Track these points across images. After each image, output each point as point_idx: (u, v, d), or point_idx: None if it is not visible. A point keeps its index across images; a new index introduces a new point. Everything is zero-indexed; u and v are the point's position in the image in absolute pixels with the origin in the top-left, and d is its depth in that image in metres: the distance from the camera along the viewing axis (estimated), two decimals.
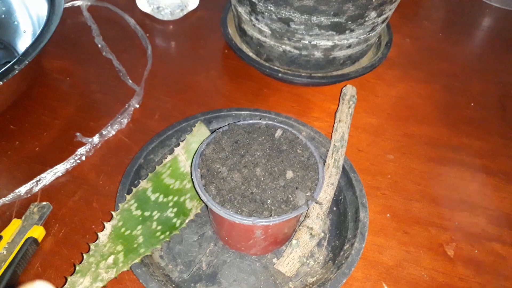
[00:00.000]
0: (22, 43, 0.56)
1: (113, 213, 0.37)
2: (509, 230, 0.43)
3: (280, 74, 0.52)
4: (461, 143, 0.51)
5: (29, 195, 0.42)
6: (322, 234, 0.39)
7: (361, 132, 0.51)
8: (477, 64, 0.61)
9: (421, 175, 0.47)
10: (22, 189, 0.42)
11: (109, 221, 0.36)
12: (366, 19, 0.46)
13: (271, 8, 0.46)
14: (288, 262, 0.37)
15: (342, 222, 0.41)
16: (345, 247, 0.38)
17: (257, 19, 0.49)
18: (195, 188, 0.35)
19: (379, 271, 0.40)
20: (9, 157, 0.46)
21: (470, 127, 0.52)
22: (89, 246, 0.35)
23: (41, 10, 0.52)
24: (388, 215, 0.44)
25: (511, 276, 0.40)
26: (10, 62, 0.54)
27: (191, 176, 0.35)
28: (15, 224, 0.39)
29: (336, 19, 0.45)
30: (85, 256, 0.34)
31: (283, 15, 0.46)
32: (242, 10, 0.50)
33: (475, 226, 0.44)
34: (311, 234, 0.38)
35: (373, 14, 0.46)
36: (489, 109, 0.55)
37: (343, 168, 0.43)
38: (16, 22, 0.56)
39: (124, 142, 0.47)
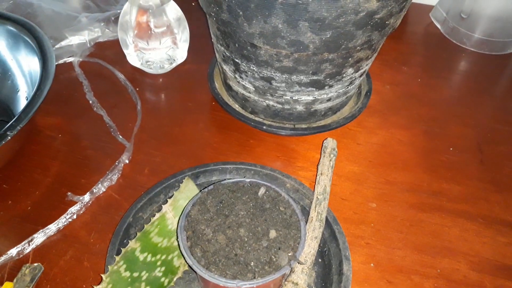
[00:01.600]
0: (17, 102, 0.58)
1: (102, 276, 0.38)
2: (490, 275, 0.45)
3: (264, 127, 0.54)
4: (441, 188, 0.53)
5: (21, 256, 0.43)
6: None
7: (344, 181, 0.52)
8: (455, 107, 0.64)
9: (403, 222, 0.49)
10: (14, 251, 0.43)
11: (98, 284, 0.37)
12: (344, 75, 0.49)
13: (254, 68, 0.48)
14: None
15: (327, 275, 0.43)
16: None
17: (241, 77, 0.51)
18: (180, 251, 0.36)
19: None
20: (2, 216, 0.47)
21: (449, 172, 0.54)
22: None
23: (35, 69, 0.54)
24: (372, 264, 0.45)
25: None
26: (4, 120, 0.56)
27: (177, 238, 0.37)
28: (7, 287, 0.40)
29: (315, 77, 0.48)
30: None
31: (265, 74, 0.48)
32: (227, 68, 0.53)
33: (457, 273, 0.45)
34: None
35: (350, 70, 0.49)
36: (468, 153, 0.57)
37: (327, 220, 0.45)
38: (10, 81, 0.59)
39: (114, 199, 0.49)
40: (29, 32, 0.55)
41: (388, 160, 0.55)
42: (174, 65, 0.66)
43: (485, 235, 0.48)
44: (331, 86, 0.50)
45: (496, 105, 0.64)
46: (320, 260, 0.44)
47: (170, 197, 0.44)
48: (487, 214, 0.50)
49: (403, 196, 0.51)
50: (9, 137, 0.42)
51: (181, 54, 0.66)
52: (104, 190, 0.49)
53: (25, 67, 0.57)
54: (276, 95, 0.50)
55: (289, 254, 0.35)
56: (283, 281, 0.41)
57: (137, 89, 0.62)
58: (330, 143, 0.50)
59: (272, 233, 0.36)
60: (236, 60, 0.49)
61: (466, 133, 0.60)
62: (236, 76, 0.52)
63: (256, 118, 0.56)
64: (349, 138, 0.57)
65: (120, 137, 0.55)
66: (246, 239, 0.36)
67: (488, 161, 0.56)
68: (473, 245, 0.47)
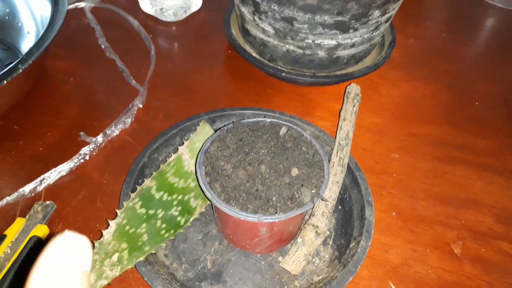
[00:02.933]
0: (26, 44, 0.56)
1: (117, 211, 0.36)
2: None
3: (283, 74, 0.52)
4: (466, 142, 0.50)
5: (33, 194, 0.42)
6: (328, 233, 0.39)
7: (365, 132, 0.50)
8: (481, 64, 0.61)
9: (426, 174, 0.47)
10: (26, 188, 0.42)
11: (113, 219, 0.36)
12: (370, 18, 0.46)
13: (275, 8, 0.46)
14: (294, 260, 0.36)
15: (348, 221, 0.41)
16: (351, 246, 0.38)
17: (260, 19, 0.49)
18: (199, 186, 0.34)
19: (385, 269, 0.39)
20: (13, 157, 0.46)
21: (475, 126, 0.52)
22: (93, 244, 0.34)
23: (45, 11, 0.52)
24: (394, 213, 0.43)
25: None
26: (14, 62, 0.54)
27: (196, 173, 0.35)
28: (19, 223, 0.39)
29: (339, 18, 0.45)
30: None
31: (286, 14, 0.46)
32: (246, 10, 0.50)
33: (482, 224, 0.43)
34: (316, 232, 0.38)
35: (376, 13, 0.46)
36: (494, 109, 0.55)
37: (348, 166, 0.43)
38: (19, 24, 0.57)
39: (127, 142, 0.47)
40: None
41: (411, 112, 0.53)
42: (188, 13, 0.63)
43: (511, 188, 0.46)
44: (356, 30, 0.47)
45: None
46: (340, 207, 0.43)
47: (186, 140, 0.43)
48: None
49: (427, 148, 0.49)
50: (20, 70, 0.41)
51: (195, 2, 0.64)
52: (118, 132, 0.47)
53: (35, 10, 0.55)
54: (298, 38, 0.48)
55: (312, 191, 0.34)
56: (303, 224, 0.39)
57: (151, 36, 0.59)
58: (354, 88, 0.48)
59: (294, 171, 0.35)
60: (256, 0, 0.47)
61: (493, 89, 0.57)
62: (255, 18, 0.49)
63: (275, 65, 0.53)
64: (371, 89, 0.55)
65: (134, 81, 0.53)
66: (267, 176, 0.34)
67: None
68: (498, 198, 0.46)
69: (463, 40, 0.64)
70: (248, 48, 0.56)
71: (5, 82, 0.40)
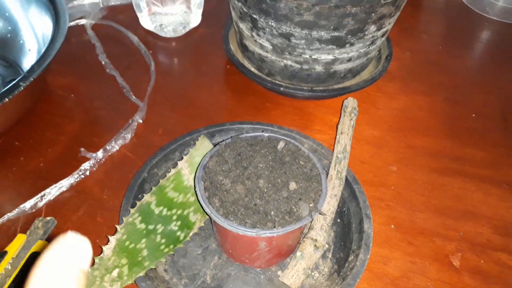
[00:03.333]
0: (27, 61, 0.57)
1: (117, 226, 0.37)
2: None
3: (282, 88, 0.53)
4: (464, 154, 0.51)
5: (34, 210, 0.43)
6: (327, 246, 0.39)
7: (363, 144, 0.51)
8: (478, 76, 0.62)
9: (425, 186, 0.47)
10: (27, 204, 0.42)
11: (113, 234, 0.37)
12: (366, 33, 0.47)
13: (272, 24, 0.46)
14: (293, 274, 0.37)
15: (347, 234, 0.41)
16: (350, 259, 0.38)
17: (258, 35, 0.49)
18: (198, 201, 0.35)
19: (385, 282, 0.39)
20: (14, 173, 0.46)
21: (472, 138, 0.53)
22: (94, 260, 0.35)
23: (46, 29, 0.53)
24: (393, 226, 0.44)
25: None
26: (15, 80, 0.55)
27: (195, 188, 0.35)
28: (20, 239, 0.39)
29: (336, 33, 0.46)
30: (89, 269, 0.34)
31: (284, 30, 0.46)
32: (244, 26, 0.51)
33: (481, 236, 0.43)
34: (315, 246, 0.38)
35: (372, 28, 0.47)
36: (491, 120, 0.55)
37: (346, 179, 0.43)
38: (21, 41, 0.58)
39: (127, 157, 0.48)
40: None
41: (409, 125, 0.54)
42: (187, 29, 0.64)
43: (509, 199, 0.47)
44: (352, 44, 0.48)
45: None
46: (339, 220, 0.43)
47: (185, 155, 0.43)
48: None
49: (425, 160, 0.50)
50: (22, 88, 0.41)
51: (195, 18, 0.65)
52: (118, 148, 0.48)
53: (37, 27, 0.56)
54: (295, 53, 0.49)
55: (310, 205, 0.34)
56: (302, 237, 0.40)
57: (150, 51, 0.60)
58: (351, 102, 0.48)
59: (292, 185, 0.35)
60: (254, 16, 0.48)
61: (489, 101, 0.58)
62: (253, 34, 0.50)
63: (273, 80, 0.54)
64: (368, 103, 0.55)
65: (134, 97, 0.53)
66: (265, 190, 0.34)
67: None
68: (497, 209, 0.46)
69: (459, 52, 0.65)
70: (246, 63, 0.56)
71: (7, 99, 0.40)
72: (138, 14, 0.63)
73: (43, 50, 0.46)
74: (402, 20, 0.67)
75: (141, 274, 0.35)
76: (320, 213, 0.34)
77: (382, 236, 0.43)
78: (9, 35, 0.58)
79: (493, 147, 0.52)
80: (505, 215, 0.45)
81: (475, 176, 0.49)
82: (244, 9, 0.48)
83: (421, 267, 0.41)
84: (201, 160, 0.38)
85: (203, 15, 0.65)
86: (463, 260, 0.41)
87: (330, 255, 0.40)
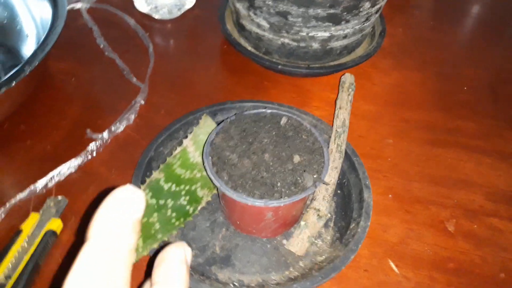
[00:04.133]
0: (26, 47, 0.57)
1: None
2: (505, 205, 0.46)
3: (279, 67, 0.54)
4: (456, 125, 0.53)
5: (45, 190, 0.44)
6: (329, 215, 0.41)
7: (360, 119, 0.52)
8: (468, 50, 0.63)
9: (419, 157, 0.49)
10: (38, 185, 0.43)
11: None
12: (361, 9, 0.48)
13: (269, 3, 0.47)
14: (298, 242, 0.39)
15: (347, 204, 0.43)
16: (351, 226, 0.40)
17: (255, 14, 0.50)
18: (207, 175, 0.36)
19: (384, 248, 0.42)
20: (22, 156, 0.47)
21: (464, 110, 0.55)
22: None
23: (45, 14, 0.53)
24: (390, 195, 0.46)
25: (509, 248, 0.42)
26: (15, 65, 0.56)
27: (203, 164, 0.37)
28: (34, 218, 0.40)
29: (332, 11, 0.47)
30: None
31: (281, 8, 0.47)
32: (240, 6, 0.52)
33: (473, 203, 0.46)
34: (318, 215, 0.40)
35: (367, 4, 0.48)
36: (481, 93, 0.57)
37: (346, 152, 0.45)
38: (19, 27, 0.58)
39: (132, 137, 0.49)
40: None
41: (403, 99, 0.55)
42: (182, 10, 0.65)
43: (500, 168, 0.49)
44: (347, 21, 0.49)
45: (509, 48, 0.64)
46: (339, 191, 0.45)
47: (189, 133, 0.44)
48: (502, 149, 0.51)
49: (419, 133, 0.52)
50: (27, 71, 0.42)
51: None
52: (122, 129, 0.49)
53: (35, 12, 0.56)
54: (292, 31, 0.50)
55: (314, 176, 0.36)
56: (305, 208, 0.41)
57: (148, 34, 0.61)
58: (348, 78, 0.50)
59: (296, 158, 0.37)
60: None
61: (479, 74, 0.60)
62: (250, 13, 0.51)
63: (270, 58, 0.55)
64: (364, 79, 0.57)
65: (134, 79, 0.54)
66: (271, 163, 0.36)
67: (502, 100, 0.56)
68: (488, 177, 0.48)
69: (450, 28, 0.67)
70: (243, 42, 0.57)
71: (14, 83, 0.41)
72: None
73: (44, 35, 0.47)
74: None
75: (155, 246, 0.36)
76: (323, 183, 0.36)
77: (380, 205, 0.45)
78: (5, 21, 0.58)
79: (483, 118, 0.54)
80: (496, 182, 0.48)
81: (467, 146, 0.51)
82: None
83: (418, 233, 0.43)
84: (208, 136, 0.39)
85: None
86: (457, 226, 0.44)
87: (332, 224, 0.42)
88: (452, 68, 0.60)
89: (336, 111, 0.48)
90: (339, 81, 0.52)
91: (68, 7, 0.63)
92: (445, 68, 0.60)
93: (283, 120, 0.40)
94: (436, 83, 0.58)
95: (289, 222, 0.40)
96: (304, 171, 0.36)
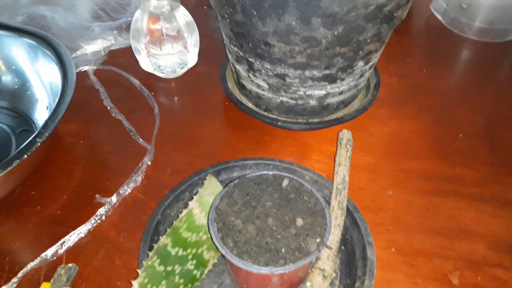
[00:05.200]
0: (36, 111, 0.59)
1: (138, 271, 0.39)
2: (508, 254, 0.46)
3: (279, 123, 0.56)
4: (454, 173, 0.54)
5: (55, 257, 0.45)
6: (334, 275, 0.42)
7: (359, 171, 0.54)
8: (461, 95, 0.65)
9: (420, 207, 0.50)
10: (48, 252, 0.45)
11: (134, 278, 0.39)
12: (355, 68, 0.51)
13: (267, 66, 0.50)
14: None
15: (351, 260, 0.44)
16: (356, 285, 0.41)
17: (255, 76, 0.53)
18: (213, 242, 0.37)
19: None
20: (32, 222, 0.49)
21: (461, 157, 0.56)
22: None
23: (54, 79, 0.55)
24: (393, 249, 0.46)
25: None
26: (26, 130, 0.58)
27: (209, 230, 0.38)
28: None
29: (327, 72, 0.49)
30: None
31: (278, 71, 0.50)
32: (240, 68, 0.54)
33: (476, 253, 0.46)
34: (323, 275, 0.41)
35: (360, 63, 0.51)
36: (477, 139, 0.59)
37: (347, 208, 0.46)
38: (29, 92, 0.60)
39: (140, 199, 0.50)
40: (47, 44, 0.57)
41: (401, 149, 0.57)
42: (185, 69, 0.68)
43: (500, 216, 0.50)
44: (342, 80, 0.51)
45: (501, 91, 0.66)
46: (343, 247, 0.46)
47: (195, 194, 0.46)
48: (501, 196, 0.52)
49: (418, 183, 0.53)
50: (39, 143, 0.44)
51: (192, 58, 0.68)
52: (130, 191, 0.51)
53: (44, 78, 0.59)
54: (290, 91, 0.52)
55: (317, 240, 0.37)
56: (310, 268, 0.42)
57: (152, 93, 0.63)
58: (346, 134, 0.52)
59: (299, 221, 0.38)
60: (250, 59, 0.51)
61: (474, 120, 0.61)
62: (250, 75, 0.53)
63: (270, 115, 0.57)
64: (361, 130, 0.59)
65: (141, 140, 0.56)
66: (275, 228, 0.37)
67: (498, 146, 0.58)
68: (489, 226, 0.49)
69: (443, 74, 0.69)
70: (244, 100, 0.60)
71: (25, 156, 0.43)
72: (137, 57, 0.67)
73: (55, 103, 0.49)
74: (387, 47, 0.71)
75: None
76: (326, 247, 0.37)
77: (384, 260, 0.45)
78: (16, 87, 0.61)
79: (480, 165, 0.55)
80: (497, 231, 0.48)
81: (466, 195, 0.52)
82: (240, 53, 0.52)
83: (423, 287, 0.43)
84: (213, 201, 0.40)
85: (199, 54, 0.68)
86: (462, 278, 0.44)
87: (337, 282, 0.43)
88: (447, 114, 0.62)
89: (336, 168, 0.49)
90: (337, 135, 0.54)
91: (76, 70, 0.66)
92: (441, 115, 0.62)
93: (285, 182, 0.41)
94: (433, 130, 0.60)
95: (295, 284, 0.41)
96: (307, 235, 0.37)
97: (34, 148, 0.44)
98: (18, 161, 0.42)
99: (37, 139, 0.44)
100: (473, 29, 0.75)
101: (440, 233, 0.48)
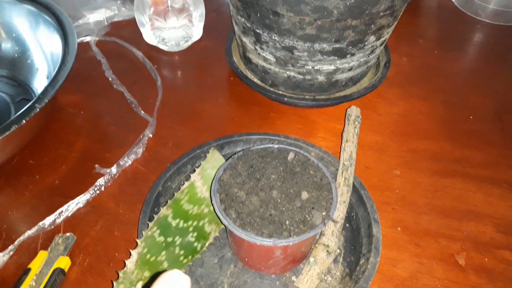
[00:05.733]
0: (36, 80, 0.58)
1: (137, 240, 0.38)
2: None
3: (285, 99, 0.54)
4: (463, 155, 0.53)
5: (53, 226, 0.44)
6: (338, 251, 0.41)
7: (367, 150, 0.53)
8: (473, 78, 0.64)
9: (427, 188, 0.49)
10: (46, 221, 0.44)
11: (133, 248, 0.38)
12: (366, 43, 0.49)
13: (275, 38, 0.48)
14: (307, 279, 0.38)
15: (356, 238, 0.43)
16: (361, 262, 0.40)
17: (261, 48, 0.51)
18: (215, 213, 0.36)
19: (395, 283, 0.41)
20: (31, 191, 0.48)
21: (471, 140, 0.55)
22: (118, 274, 0.36)
23: (55, 48, 0.54)
24: (399, 228, 0.45)
25: None
26: (26, 99, 0.57)
27: (211, 201, 0.37)
28: (42, 256, 0.40)
29: (337, 45, 0.48)
30: (115, 283, 0.35)
31: (287, 43, 0.48)
32: (247, 40, 0.53)
33: (484, 235, 0.45)
34: (327, 251, 0.39)
35: (372, 38, 0.49)
36: (488, 122, 0.57)
37: (353, 185, 0.45)
38: (29, 61, 0.59)
39: (140, 171, 0.49)
40: (48, 11, 0.55)
41: (409, 129, 0.55)
42: (190, 42, 0.66)
43: (510, 198, 0.48)
44: (353, 55, 0.50)
45: None
46: (348, 225, 0.45)
47: (197, 167, 0.45)
48: (511, 179, 0.50)
49: (426, 163, 0.51)
50: (38, 109, 0.43)
51: (197, 31, 0.66)
52: (130, 163, 0.49)
53: (45, 47, 0.58)
54: (298, 65, 0.51)
55: (323, 213, 0.36)
56: (314, 244, 0.41)
57: (155, 66, 0.62)
58: (354, 110, 0.50)
59: (304, 195, 0.37)
60: (257, 31, 0.49)
61: (485, 103, 0.60)
62: (257, 47, 0.52)
63: (277, 91, 0.56)
64: (369, 109, 0.57)
65: (142, 112, 0.55)
66: (279, 200, 0.36)
67: (509, 129, 0.56)
68: (498, 209, 0.48)
69: (454, 56, 0.67)
70: (250, 74, 0.58)
71: (24, 122, 0.42)
72: (141, 29, 0.65)
73: (54, 71, 0.48)
74: (399, 27, 0.69)
75: None
76: (332, 221, 0.35)
77: (389, 239, 0.44)
78: (17, 55, 0.59)
79: (491, 147, 0.54)
80: (506, 214, 0.47)
81: (475, 176, 0.50)
82: (248, 24, 0.50)
83: (429, 267, 0.42)
84: (215, 173, 0.39)
85: (204, 28, 0.66)
86: (468, 259, 0.43)
87: (341, 259, 0.42)
88: (458, 97, 0.60)
89: (343, 144, 0.48)
90: (345, 112, 0.53)
91: (78, 40, 0.64)
92: (451, 97, 0.60)
93: (290, 156, 0.40)
94: (443, 112, 0.58)
95: (298, 259, 0.40)
96: (313, 208, 0.36)
97: (32, 114, 0.42)
98: (16, 126, 0.41)
99: (36, 105, 0.43)
100: (487, 11, 0.73)
101: (448, 214, 0.47)
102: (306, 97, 0.55)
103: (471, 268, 0.43)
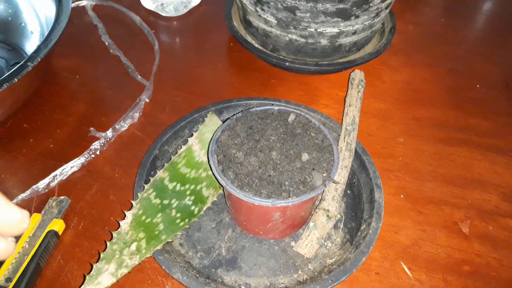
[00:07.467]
0: (30, 44, 0.56)
1: (132, 202, 0.37)
2: None
3: (287, 64, 0.53)
4: (468, 123, 0.51)
5: (47, 190, 0.43)
6: (339, 216, 0.39)
7: (370, 117, 0.51)
8: (480, 47, 0.62)
9: (432, 156, 0.48)
10: (40, 185, 0.43)
11: (129, 210, 0.37)
12: (371, 4, 0.47)
13: None
14: (307, 244, 0.37)
15: (357, 204, 0.42)
16: (362, 228, 0.39)
17: (262, 9, 0.49)
18: (213, 174, 0.35)
19: (396, 250, 0.40)
20: (25, 154, 0.46)
21: (477, 108, 0.53)
22: (112, 234, 0.35)
23: (49, 11, 0.52)
24: (402, 196, 0.44)
25: None
26: (19, 63, 0.55)
27: (209, 162, 0.36)
28: (35, 218, 0.39)
29: (341, 6, 0.46)
30: (108, 243, 0.35)
31: (288, 3, 0.46)
32: (247, 1, 0.51)
33: (488, 203, 0.44)
34: (327, 216, 0.38)
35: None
36: (495, 90, 0.55)
37: (356, 151, 0.44)
38: (23, 24, 0.57)
39: (137, 136, 0.48)
40: None
41: (414, 97, 0.54)
42: (189, 7, 0.64)
43: None
44: (357, 17, 0.48)
45: None
46: (349, 191, 0.44)
47: (195, 131, 0.43)
48: None
49: (431, 131, 0.50)
50: (30, 68, 0.41)
51: None
52: (127, 127, 0.48)
53: (39, 9, 0.56)
54: (300, 27, 0.49)
55: (324, 175, 0.34)
56: (314, 209, 0.40)
57: (153, 31, 0.60)
58: (358, 74, 0.49)
59: (305, 156, 0.35)
60: None
61: (492, 71, 0.58)
62: (258, 9, 0.50)
63: (278, 55, 0.54)
64: (373, 76, 0.55)
65: (139, 76, 0.53)
66: (278, 161, 0.35)
67: None
68: (503, 177, 0.46)
69: (461, 24, 0.65)
70: (250, 39, 0.56)
71: (16, 80, 0.40)
72: None
73: (47, 31, 0.46)
74: None
75: (159, 247, 0.35)
76: (333, 182, 0.34)
77: (392, 206, 0.43)
78: (10, 18, 0.57)
79: (497, 116, 0.52)
80: (511, 182, 0.46)
81: (481, 145, 0.49)
82: None
83: (431, 234, 0.41)
84: (213, 134, 0.38)
85: None
86: (472, 227, 0.42)
87: (341, 225, 0.41)
88: (464, 65, 0.58)
89: (346, 109, 0.46)
90: (348, 79, 0.51)
91: (73, 4, 0.62)
92: (457, 65, 0.58)
93: (291, 117, 0.38)
94: (448, 80, 0.56)
95: (297, 223, 0.39)
96: (313, 169, 0.35)
97: (25, 72, 0.41)
98: (7, 84, 0.40)
99: (28, 63, 0.41)
100: None
101: (452, 182, 0.45)
102: (309, 62, 0.53)
103: (474, 236, 0.42)
